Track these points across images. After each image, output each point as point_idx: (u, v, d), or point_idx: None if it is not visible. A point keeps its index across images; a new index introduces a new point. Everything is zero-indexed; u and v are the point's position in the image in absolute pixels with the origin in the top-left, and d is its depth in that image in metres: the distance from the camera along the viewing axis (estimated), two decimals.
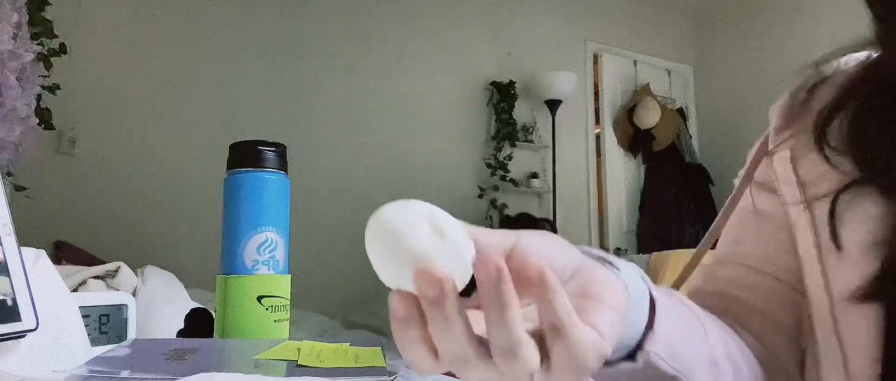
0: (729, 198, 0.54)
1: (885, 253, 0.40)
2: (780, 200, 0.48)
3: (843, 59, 0.49)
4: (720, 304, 0.50)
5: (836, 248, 0.43)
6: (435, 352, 0.27)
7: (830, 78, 0.48)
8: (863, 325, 0.41)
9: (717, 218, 0.54)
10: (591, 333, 0.27)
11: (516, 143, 3.76)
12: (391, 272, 0.26)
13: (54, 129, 2.02)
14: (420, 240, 0.25)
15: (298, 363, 0.46)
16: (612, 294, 0.30)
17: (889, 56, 0.44)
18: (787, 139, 0.49)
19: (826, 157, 0.44)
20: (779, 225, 0.48)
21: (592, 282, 0.31)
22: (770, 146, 0.50)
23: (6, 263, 0.46)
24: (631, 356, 0.35)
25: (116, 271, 0.81)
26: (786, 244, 0.47)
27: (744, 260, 0.51)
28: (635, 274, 0.35)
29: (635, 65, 4.50)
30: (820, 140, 0.45)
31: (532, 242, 0.30)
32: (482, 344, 0.26)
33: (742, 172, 0.53)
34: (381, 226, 0.26)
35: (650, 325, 0.34)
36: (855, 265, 0.42)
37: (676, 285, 0.55)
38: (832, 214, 0.43)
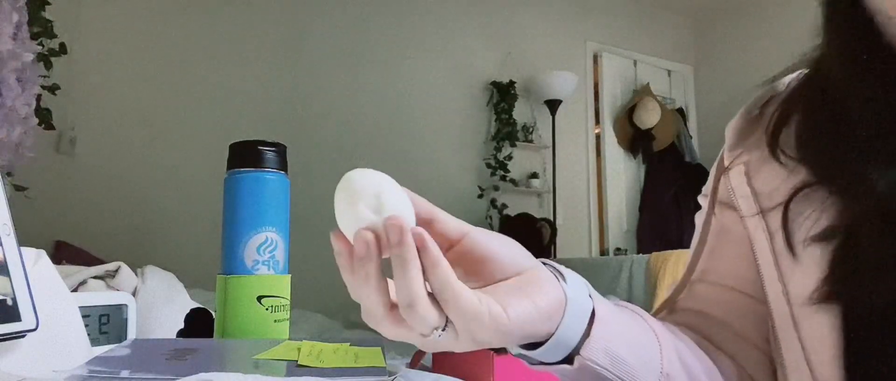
0: (696, 216, 0.56)
1: (833, 253, 0.42)
2: (739, 214, 0.50)
3: (794, 76, 0.50)
4: (695, 322, 0.52)
5: (791, 253, 0.44)
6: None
7: (781, 94, 0.50)
8: (822, 326, 0.42)
9: (694, 237, 0.56)
10: (481, 304, 0.32)
11: (516, 143, 3.76)
12: (342, 223, 0.34)
13: (54, 129, 2.02)
14: (362, 210, 0.32)
15: (298, 363, 0.46)
16: (542, 295, 0.35)
17: (829, 52, 0.45)
18: (741, 155, 0.51)
19: (781, 163, 0.46)
20: (739, 240, 0.50)
21: (531, 282, 0.36)
22: (726, 163, 0.52)
23: (6, 263, 0.46)
24: (569, 360, 0.38)
25: (116, 271, 0.81)
26: (748, 258, 0.49)
27: (712, 277, 0.52)
28: (581, 289, 0.39)
29: (635, 65, 4.50)
30: (774, 149, 0.47)
31: (484, 236, 0.36)
32: (393, 305, 0.32)
33: (705, 190, 0.55)
34: (344, 185, 0.33)
35: (587, 334, 0.38)
36: (808, 268, 0.43)
37: (675, 295, 0.56)
38: (785, 219, 0.45)
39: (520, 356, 0.40)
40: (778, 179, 0.47)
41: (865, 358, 0.41)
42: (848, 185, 0.42)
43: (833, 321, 0.42)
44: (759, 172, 0.49)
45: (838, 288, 0.41)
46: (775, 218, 0.46)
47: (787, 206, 0.45)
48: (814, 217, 0.43)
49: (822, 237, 0.42)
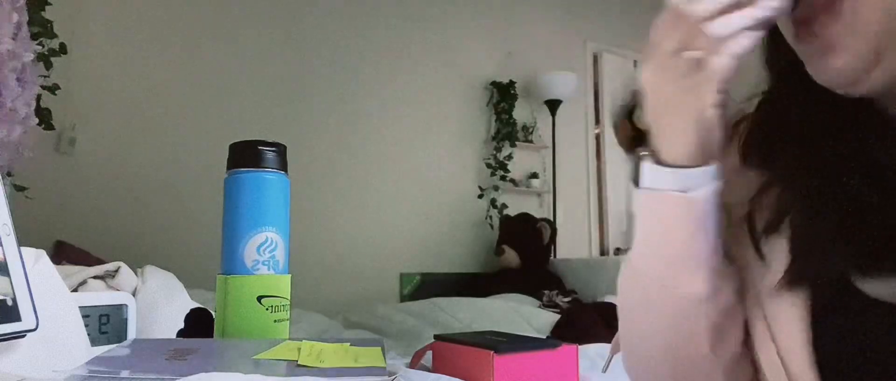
0: None
1: (792, 241, 0.45)
2: None
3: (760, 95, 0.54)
4: None
5: (759, 256, 0.47)
6: None
7: (750, 113, 0.54)
8: (791, 318, 0.44)
9: None
10: None
11: (516, 143, 3.76)
12: None
13: (54, 129, 2.02)
14: None
15: (298, 363, 0.46)
16: None
17: (771, 80, 0.52)
18: None
19: (751, 170, 0.51)
20: None
21: None
22: None
23: (6, 263, 0.46)
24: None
25: (116, 271, 0.81)
26: None
27: None
28: None
29: (635, 65, 4.50)
30: (745, 158, 0.51)
31: None
32: None
33: None
34: None
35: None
36: (775, 270, 0.46)
37: None
38: (751, 224, 0.48)
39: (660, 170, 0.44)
40: (745, 190, 0.50)
41: (830, 340, 0.43)
42: (789, 173, 0.46)
43: (800, 310, 0.44)
44: (728, 187, 0.52)
45: (794, 273, 0.44)
46: (743, 227, 0.49)
47: (751, 212, 0.48)
48: (769, 215, 0.47)
49: (770, 227, 0.46)
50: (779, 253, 0.46)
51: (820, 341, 0.43)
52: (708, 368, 0.47)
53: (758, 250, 0.48)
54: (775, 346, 0.45)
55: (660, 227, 0.45)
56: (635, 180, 0.46)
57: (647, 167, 0.45)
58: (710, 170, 0.44)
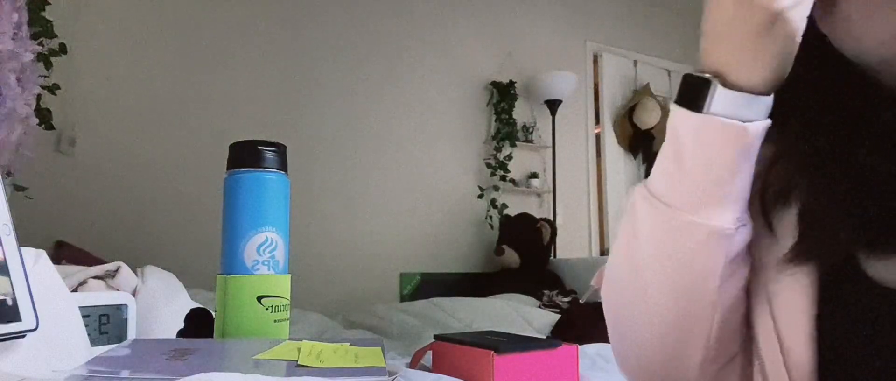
0: None
1: (800, 214, 0.45)
2: None
3: None
4: None
5: (768, 230, 0.47)
6: None
7: None
8: (796, 295, 0.44)
9: None
10: None
11: (516, 143, 3.76)
12: None
13: (54, 129, 2.02)
14: None
15: (298, 363, 0.46)
16: None
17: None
18: None
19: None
20: None
21: None
22: None
23: (6, 263, 0.46)
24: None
25: (116, 271, 0.81)
26: None
27: None
28: None
29: (635, 65, 4.50)
30: None
31: None
32: None
33: None
34: None
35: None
36: (783, 240, 0.46)
37: None
38: (763, 197, 0.47)
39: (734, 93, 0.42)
40: (759, 164, 0.49)
41: (833, 322, 0.42)
42: (796, 144, 0.46)
43: (804, 288, 0.44)
44: None
45: (800, 249, 0.44)
46: (756, 202, 0.49)
47: (762, 185, 0.48)
48: (778, 187, 0.47)
49: (778, 198, 0.46)
50: (788, 227, 0.46)
51: (822, 322, 0.43)
52: (709, 313, 0.46)
53: (768, 222, 0.47)
54: (773, 322, 0.45)
55: (710, 156, 0.43)
56: (691, 104, 0.44)
57: (720, 91, 0.42)
58: (770, 100, 0.43)
